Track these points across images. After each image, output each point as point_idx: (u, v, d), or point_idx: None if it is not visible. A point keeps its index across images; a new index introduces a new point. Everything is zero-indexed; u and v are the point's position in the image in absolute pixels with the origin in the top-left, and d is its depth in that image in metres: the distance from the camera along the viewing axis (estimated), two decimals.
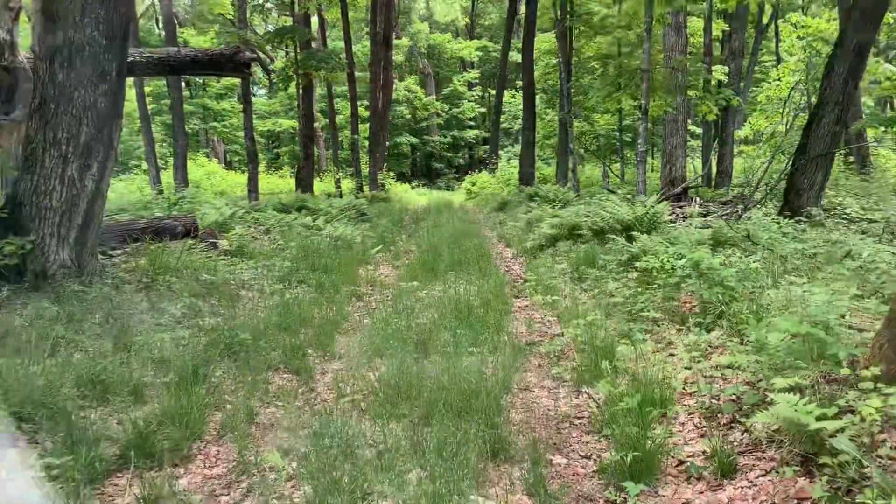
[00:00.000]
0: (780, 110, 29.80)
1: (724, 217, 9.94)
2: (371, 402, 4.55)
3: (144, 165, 29.35)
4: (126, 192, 24.28)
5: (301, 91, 21.05)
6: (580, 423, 4.35)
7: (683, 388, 4.61)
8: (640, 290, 6.96)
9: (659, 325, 5.94)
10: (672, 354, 5.37)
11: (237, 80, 39.48)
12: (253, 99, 42.48)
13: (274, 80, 25.43)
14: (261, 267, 8.74)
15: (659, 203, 11.24)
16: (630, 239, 8.57)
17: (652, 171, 28.67)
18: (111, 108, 6.07)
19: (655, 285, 6.62)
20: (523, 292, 8.30)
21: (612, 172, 24.97)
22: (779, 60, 32.94)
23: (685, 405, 4.40)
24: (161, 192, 21.01)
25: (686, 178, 14.23)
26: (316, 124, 37.22)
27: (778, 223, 8.42)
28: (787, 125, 27.23)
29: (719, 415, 4.10)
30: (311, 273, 8.84)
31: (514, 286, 8.61)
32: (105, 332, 5.02)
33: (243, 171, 36.47)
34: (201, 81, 40.12)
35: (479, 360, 5.29)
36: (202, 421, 4.20)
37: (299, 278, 8.50)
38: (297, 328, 6.44)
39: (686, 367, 4.99)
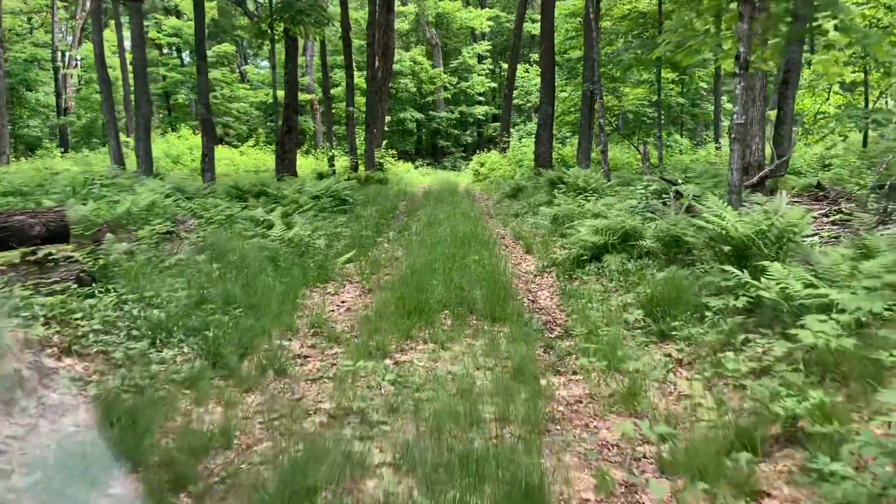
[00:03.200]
0: (827, 89, 25.73)
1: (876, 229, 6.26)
2: None
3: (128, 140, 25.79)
4: (81, 168, 20.76)
5: (277, 51, 17.27)
6: None
7: None
8: (821, 394, 3.32)
9: None
10: None
11: (230, 48, 35.68)
12: (246, 68, 38.57)
13: (244, 37, 21.46)
14: (133, 303, 5.12)
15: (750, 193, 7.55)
16: (744, 266, 4.90)
17: (665, 153, 24.77)
18: None
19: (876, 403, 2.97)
20: (567, 359, 4.65)
21: (639, 153, 21.14)
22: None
23: None
24: (124, 167, 17.43)
25: (763, 163, 10.53)
26: (312, 96, 33.44)
27: None
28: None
29: None
30: (219, 312, 5.23)
31: (549, 344, 4.96)
32: None
33: (234, 146, 32.77)
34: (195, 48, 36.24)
35: None
36: None
37: (192, 325, 4.88)
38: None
39: None
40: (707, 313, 4.65)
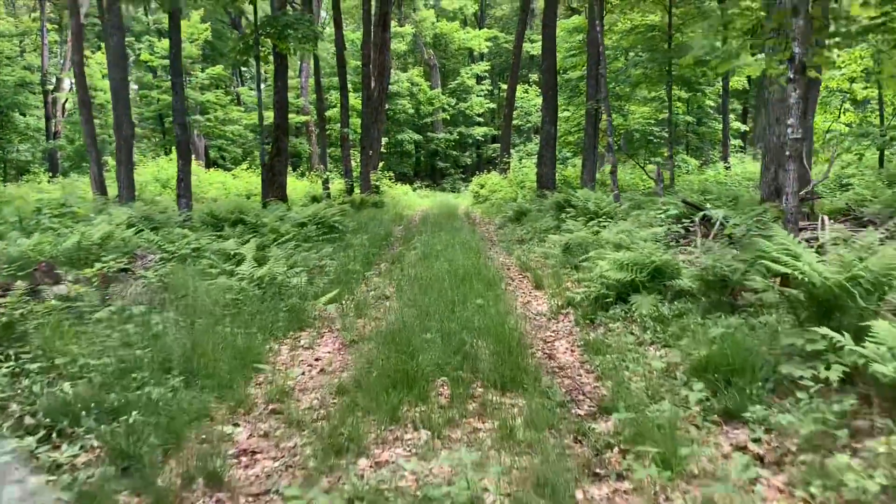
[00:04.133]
0: (839, 106, 24.73)
1: None
2: None
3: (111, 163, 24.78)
4: (61, 194, 19.73)
5: (266, 70, 16.22)
6: None
7: None
8: None
9: None
10: None
11: (221, 70, 34.75)
12: (241, 90, 37.55)
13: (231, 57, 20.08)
14: (36, 375, 3.91)
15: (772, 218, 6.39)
16: (828, 321, 3.71)
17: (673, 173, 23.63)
18: None
19: None
20: (608, 455, 3.42)
21: (648, 174, 20.01)
22: None
23: None
24: (104, 197, 16.31)
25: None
26: (308, 118, 32.45)
27: None
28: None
29: None
30: (151, 383, 4.02)
31: (580, 428, 3.72)
32: None
33: (228, 169, 31.68)
34: (188, 72, 35.34)
35: None
36: None
37: (109, 405, 3.67)
38: None
39: None
40: (800, 394, 3.42)
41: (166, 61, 34.28)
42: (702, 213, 8.48)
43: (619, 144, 25.31)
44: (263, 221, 9.37)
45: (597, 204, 10.73)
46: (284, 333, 5.66)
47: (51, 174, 28.95)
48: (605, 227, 9.74)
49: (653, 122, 20.49)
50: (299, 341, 5.56)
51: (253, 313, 5.80)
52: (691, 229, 9.54)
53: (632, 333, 5.36)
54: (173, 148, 30.92)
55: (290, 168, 35.21)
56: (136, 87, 39.16)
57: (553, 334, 5.79)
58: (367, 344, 5.19)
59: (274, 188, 16.63)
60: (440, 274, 7.14)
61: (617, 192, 13.84)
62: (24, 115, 32.85)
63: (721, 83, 22.48)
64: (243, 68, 39.11)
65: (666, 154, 17.35)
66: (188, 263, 7.17)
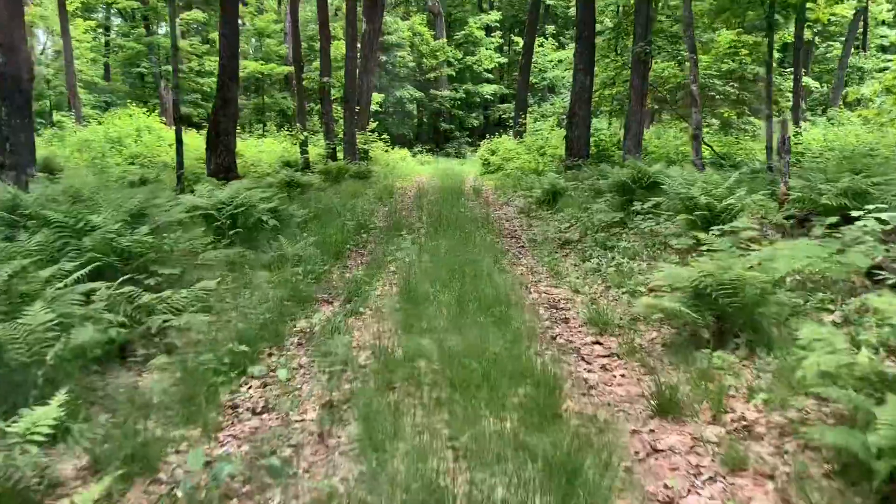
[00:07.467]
0: None
1: None
2: None
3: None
4: None
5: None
6: None
7: None
8: None
9: None
10: None
11: (202, 16, 29.58)
12: (214, 36, 32.23)
13: None
14: None
15: None
16: None
17: (740, 137, 18.74)
18: None
19: None
20: None
21: (704, 143, 15.17)
22: None
23: None
24: None
25: None
26: (292, 69, 27.37)
27: None
28: None
29: None
30: None
31: None
32: None
33: (203, 127, 26.86)
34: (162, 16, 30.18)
35: None
36: None
37: None
38: None
39: None
40: None
41: (136, 3, 29.26)
42: None
43: (654, 103, 20.33)
44: (92, 221, 4.57)
45: (706, 191, 5.94)
46: None
47: None
48: (723, 234, 5.05)
49: (714, 73, 15.53)
50: None
51: None
52: None
53: None
54: (130, 102, 26.06)
55: (274, 128, 30.35)
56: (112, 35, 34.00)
57: None
58: None
59: (218, 153, 11.90)
60: (445, 306, 2.36)
61: (700, 163, 9.10)
62: None
63: (795, 26, 17.44)
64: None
65: (765, 114, 12.42)
66: None
